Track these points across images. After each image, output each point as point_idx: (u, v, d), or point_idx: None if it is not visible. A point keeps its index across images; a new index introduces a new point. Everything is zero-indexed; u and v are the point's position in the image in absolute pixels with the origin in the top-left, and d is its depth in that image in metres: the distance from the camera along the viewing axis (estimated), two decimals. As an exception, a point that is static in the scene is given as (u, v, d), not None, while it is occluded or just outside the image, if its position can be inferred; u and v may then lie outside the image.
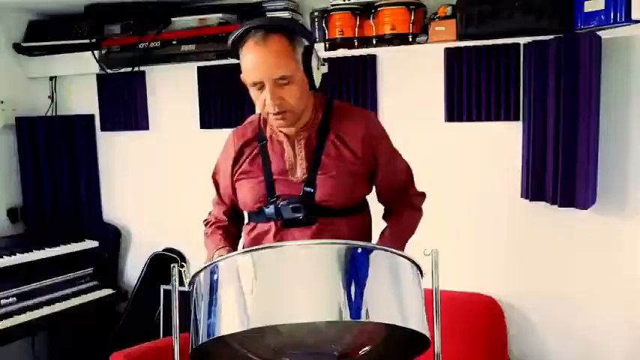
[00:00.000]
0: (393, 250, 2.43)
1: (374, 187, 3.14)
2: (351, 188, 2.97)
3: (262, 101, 2.80)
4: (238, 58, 2.89)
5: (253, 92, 2.83)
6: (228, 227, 3.26)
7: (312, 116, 2.99)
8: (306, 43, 2.85)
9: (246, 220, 3.18)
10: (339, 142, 2.96)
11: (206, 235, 3.25)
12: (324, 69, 2.96)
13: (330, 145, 2.95)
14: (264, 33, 2.74)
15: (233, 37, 2.84)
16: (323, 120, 3.00)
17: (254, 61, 2.75)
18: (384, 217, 3.22)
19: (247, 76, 2.80)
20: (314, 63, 2.88)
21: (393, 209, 3.21)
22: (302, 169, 2.94)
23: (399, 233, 3.04)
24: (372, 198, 3.15)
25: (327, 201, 2.91)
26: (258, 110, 2.95)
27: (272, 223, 2.95)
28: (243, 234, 3.19)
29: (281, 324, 2.37)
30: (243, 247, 3.10)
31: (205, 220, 3.34)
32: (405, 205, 3.18)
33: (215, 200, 3.33)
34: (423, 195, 3.25)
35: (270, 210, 2.93)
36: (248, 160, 3.04)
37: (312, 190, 2.90)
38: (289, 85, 2.76)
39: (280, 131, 2.98)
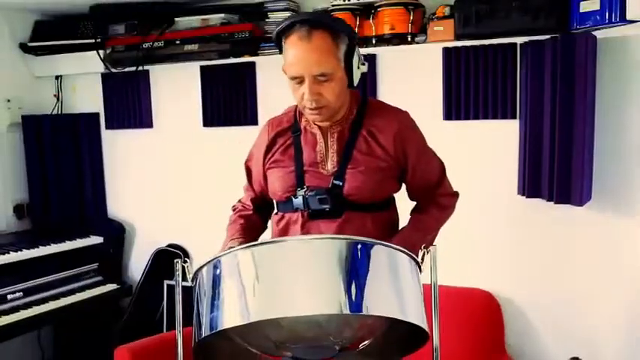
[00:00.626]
0: (393, 245, 2.42)
1: (404, 185, 3.14)
2: (379, 184, 2.97)
3: (300, 95, 2.80)
4: (281, 51, 2.89)
5: (292, 85, 2.83)
6: (251, 216, 3.26)
7: (347, 112, 2.99)
8: (349, 42, 2.85)
9: (275, 210, 3.17)
10: (370, 139, 2.97)
11: (230, 221, 3.25)
12: (364, 68, 2.95)
13: (362, 140, 2.96)
14: (308, 28, 2.74)
15: (278, 30, 2.84)
16: (357, 116, 3.00)
17: (296, 56, 2.75)
18: (411, 213, 3.22)
19: (288, 69, 2.80)
20: (355, 61, 2.88)
21: (420, 206, 3.21)
22: (333, 162, 2.96)
23: (417, 230, 3.03)
24: (402, 197, 3.17)
25: (354, 195, 2.91)
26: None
27: (299, 214, 2.96)
28: (271, 223, 3.20)
29: (282, 317, 2.37)
30: (272, 237, 3.12)
31: (233, 205, 3.35)
32: (432, 203, 3.17)
33: (245, 187, 3.32)
34: (453, 195, 3.25)
35: (298, 200, 2.94)
36: (281, 149, 3.05)
37: (340, 184, 2.91)
38: (328, 82, 2.77)
39: (314, 124, 2.99)
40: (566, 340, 4.35)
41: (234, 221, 3.22)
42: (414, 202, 3.24)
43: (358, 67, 2.93)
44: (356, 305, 2.22)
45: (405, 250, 2.45)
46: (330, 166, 2.96)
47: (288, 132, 3.06)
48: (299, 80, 2.77)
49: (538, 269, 4.44)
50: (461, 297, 4.50)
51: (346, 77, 2.86)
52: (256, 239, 3.14)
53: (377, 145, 2.96)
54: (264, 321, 2.35)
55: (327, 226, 2.91)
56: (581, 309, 4.28)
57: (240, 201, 3.35)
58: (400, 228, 3.11)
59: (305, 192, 2.92)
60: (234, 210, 3.32)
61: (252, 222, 3.25)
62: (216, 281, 2.36)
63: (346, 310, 2.21)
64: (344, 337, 2.51)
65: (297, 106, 3.05)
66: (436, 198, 3.18)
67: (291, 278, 2.25)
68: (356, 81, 2.92)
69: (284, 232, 3.04)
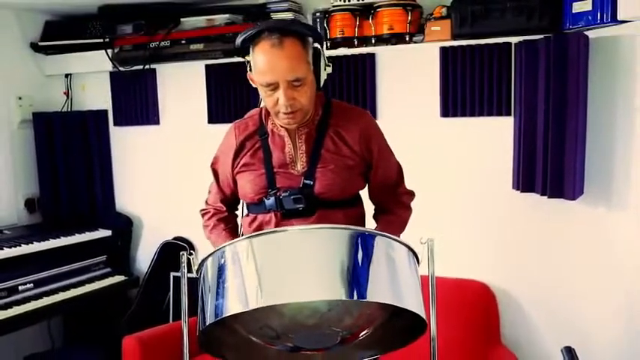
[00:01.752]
0: (394, 237, 2.45)
1: (366, 185, 3.17)
2: (348, 181, 3.00)
3: (274, 100, 2.80)
4: (244, 56, 2.89)
5: (265, 91, 2.82)
6: (229, 218, 3.27)
7: (313, 113, 2.99)
8: (316, 45, 2.87)
9: (244, 212, 3.17)
10: (337, 138, 2.98)
11: (207, 228, 3.25)
12: (329, 70, 2.96)
13: (329, 140, 2.98)
14: (279, 36, 2.74)
15: (245, 36, 2.83)
16: (323, 116, 3.01)
17: (270, 63, 2.75)
18: (375, 217, 3.23)
19: (261, 76, 2.79)
20: (322, 64, 2.90)
21: (384, 207, 3.22)
22: (302, 162, 2.96)
23: (389, 230, 3.03)
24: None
25: (325, 193, 2.92)
26: (262, 105, 2.97)
27: (272, 215, 2.96)
28: (243, 225, 3.19)
29: (285, 303, 2.38)
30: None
31: (203, 210, 3.33)
32: (396, 203, 3.20)
33: (213, 189, 3.30)
34: (412, 194, 3.26)
35: (270, 201, 2.93)
36: (250, 153, 3.04)
37: (311, 183, 2.92)
38: (302, 86, 2.77)
39: (281, 126, 2.98)
40: (560, 330, 4.36)
41: (214, 227, 3.22)
42: (375, 205, 3.27)
43: (324, 69, 2.95)
44: (358, 292, 2.23)
45: (405, 242, 2.47)
46: (300, 166, 2.97)
47: (255, 135, 3.06)
48: (273, 87, 2.77)
49: (532, 261, 4.45)
50: (457, 288, 4.51)
51: (315, 80, 2.88)
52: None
53: (344, 144, 2.98)
54: (267, 309, 2.37)
55: (301, 224, 2.88)
56: (574, 300, 4.29)
57: (208, 203, 3.33)
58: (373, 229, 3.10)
59: (278, 193, 2.93)
60: (206, 214, 3.30)
61: (233, 223, 3.28)
62: (220, 271, 2.38)
63: (348, 297, 2.23)
64: (344, 326, 2.53)
65: (261, 109, 3.09)
66: (399, 197, 3.21)
67: (294, 266, 2.27)
68: (322, 82, 2.95)
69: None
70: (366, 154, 3.02)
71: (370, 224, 3.15)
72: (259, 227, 3.01)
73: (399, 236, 2.91)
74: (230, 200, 3.26)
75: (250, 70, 2.90)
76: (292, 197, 2.90)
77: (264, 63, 2.76)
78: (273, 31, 2.76)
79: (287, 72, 2.72)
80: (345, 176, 2.97)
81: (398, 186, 3.21)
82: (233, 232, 3.21)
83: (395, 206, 3.19)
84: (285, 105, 2.77)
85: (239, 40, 2.88)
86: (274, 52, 2.73)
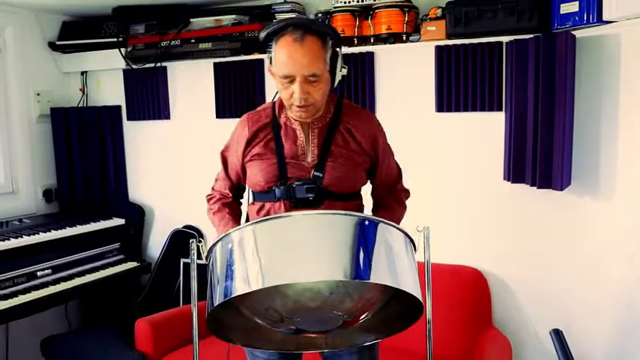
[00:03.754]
0: (393, 224, 2.47)
1: (368, 181, 3.18)
2: (354, 176, 3.01)
3: (290, 93, 2.81)
4: (264, 50, 2.90)
5: (282, 84, 2.83)
6: (233, 204, 3.25)
7: (325, 110, 3.00)
8: (334, 47, 2.88)
9: (251, 200, 3.16)
10: (347, 135, 2.99)
11: (211, 212, 3.22)
12: (344, 71, 2.97)
13: (340, 136, 2.98)
14: (302, 32, 2.75)
15: (270, 30, 2.85)
16: (334, 114, 3.02)
17: (290, 57, 2.75)
18: (373, 211, 3.24)
19: (280, 68, 2.79)
20: (338, 65, 2.91)
21: (382, 202, 3.22)
22: (313, 155, 2.96)
23: None
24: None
25: (333, 185, 2.92)
26: (269, 98, 2.96)
27: (282, 203, 2.95)
28: (249, 213, 3.18)
29: (290, 286, 2.40)
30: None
31: (209, 195, 3.31)
32: (393, 199, 3.21)
33: (220, 176, 3.28)
34: (408, 192, 3.28)
35: (280, 190, 2.92)
36: (262, 143, 3.02)
37: (321, 175, 2.92)
38: (317, 82, 2.78)
39: (294, 120, 2.99)
40: (548, 313, 4.37)
41: (218, 209, 3.19)
42: (374, 200, 3.28)
43: (340, 70, 2.95)
44: (358, 273, 2.25)
45: (404, 230, 2.49)
46: (311, 158, 2.96)
47: (268, 127, 3.05)
48: (290, 79, 2.78)
49: (522, 248, 4.46)
50: (452, 274, 4.52)
51: (330, 78, 2.89)
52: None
53: (353, 140, 2.99)
54: (271, 292, 2.38)
55: None
56: (562, 285, 4.29)
57: (214, 189, 3.32)
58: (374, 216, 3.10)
59: (290, 182, 2.92)
60: (212, 198, 3.29)
61: (236, 209, 3.25)
62: (228, 255, 2.39)
63: (351, 277, 2.25)
64: (345, 310, 2.54)
65: (274, 103, 3.09)
66: (397, 193, 3.22)
67: (298, 248, 2.29)
68: (337, 82, 2.96)
69: None
70: (372, 152, 3.03)
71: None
72: (267, 214, 2.99)
73: None
74: (236, 188, 3.25)
75: (271, 63, 2.90)
76: (305, 186, 2.89)
77: (285, 56, 2.76)
78: (297, 27, 2.77)
79: (305, 67, 2.73)
80: (351, 171, 2.98)
81: (397, 183, 3.24)
82: (236, 217, 3.18)
83: (392, 202, 3.20)
84: (300, 98, 2.77)
85: (263, 33, 2.89)
86: (295, 46, 2.74)
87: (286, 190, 2.92)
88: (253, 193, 3.12)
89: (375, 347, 3.13)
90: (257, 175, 3.02)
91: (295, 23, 2.81)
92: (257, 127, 3.06)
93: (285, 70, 2.77)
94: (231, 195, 3.25)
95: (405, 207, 3.24)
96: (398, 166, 3.25)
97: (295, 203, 2.92)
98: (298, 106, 2.82)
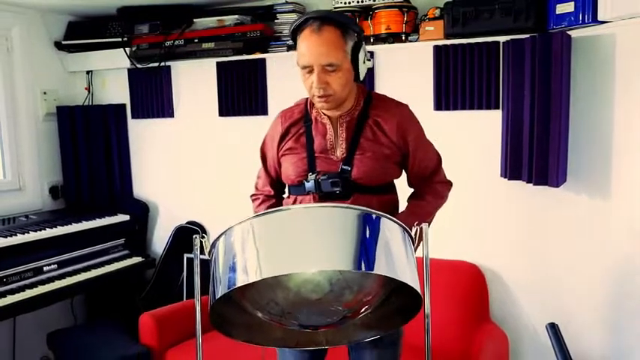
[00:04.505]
0: (392, 218, 2.46)
1: (403, 172, 3.15)
2: (384, 169, 2.99)
3: (310, 84, 2.83)
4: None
5: (303, 75, 2.85)
6: (276, 204, 3.23)
7: (354, 103, 3.00)
8: (356, 38, 2.88)
9: (287, 194, 3.17)
10: (376, 128, 2.98)
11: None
12: (370, 64, 2.97)
13: (368, 129, 2.97)
14: (319, 23, 2.77)
15: (294, 25, 2.87)
16: (363, 107, 3.01)
17: (307, 47, 2.78)
18: (408, 199, 3.21)
19: (300, 59, 2.83)
20: (361, 57, 2.91)
21: (418, 192, 3.20)
22: (342, 149, 2.96)
23: (414, 214, 2.97)
24: (401, 184, 3.18)
25: (362, 178, 2.92)
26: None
27: (311, 197, 2.96)
28: (284, 205, 3.16)
29: (290, 278, 2.40)
30: None
31: (253, 195, 3.33)
32: (429, 190, 3.16)
33: (261, 173, 3.29)
34: (448, 183, 3.25)
35: (310, 184, 2.92)
36: (294, 138, 3.04)
37: (349, 168, 2.92)
38: (336, 72, 2.79)
39: (324, 114, 3.00)
40: (544, 308, 4.38)
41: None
42: (412, 190, 3.23)
43: (364, 62, 2.95)
44: (359, 264, 2.25)
45: (403, 225, 2.49)
46: (340, 152, 2.96)
47: (300, 122, 3.06)
48: (309, 70, 2.80)
49: (519, 244, 4.47)
50: (450, 269, 4.52)
51: (352, 70, 2.88)
52: None
53: (382, 133, 2.97)
54: (273, 284, 2.38)
55: None
56: (558, 280, 4.30)
57: (257, 189, 3.32)
58: (399, 212, 3.09)
59: (317, 176, 2.92)
60: (256, 199, 3.29)
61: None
62: (229, 249, 2.39)
63: (351, 268, 2.27)
64: (345, 302, 2.53)
65: (307, 99, 3.07)
66: (433, 185, 3.17)
67: (297, 240, 2.30)
68: (362, 75, 2.95)
69: None
70: (402, 144, 3.01)
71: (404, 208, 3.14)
72: None
73: (426, 221, 2.90)
74: (277, 183, 3.25)
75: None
76: (330, 180, 2.89)
77: (304, 47, 2.80)
78: (315, 20, 2.79)
79: (321, 56, 2.75)
80: (381, 164, 2.96)
81: (434, 175, 3.18)
82: None
83: (428, 193, 3.15)
84: (318, 87, 2.79)
85: (291, 30, 2.92)
86: (313, 37, 2.77)
87: (315, 184, 2.92)
88: (288, 186, 3.13)
89: (397, 344, 3.12)
90: (288, 168, 3.04)
91: (314, 16, 2.83)
92: (290, 122, 3.08)
93: (304, 61, 2.80)
94: (273, 192, 3.26)
95: (444, 199, 3.20)
96: (437, 157, 3.21)
97: (322, 197, 2.92)
98: (318, 97, 2.83)
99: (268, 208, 3.18)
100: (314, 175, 2.93)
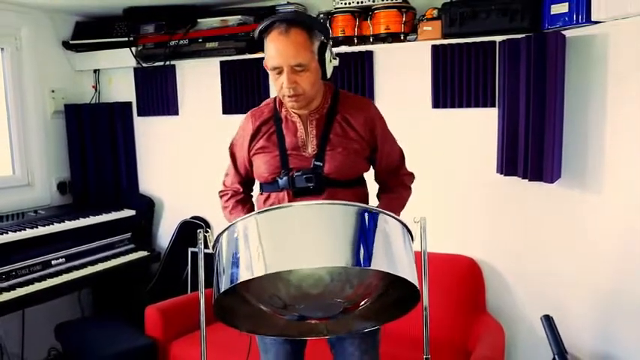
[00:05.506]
0: (391, 214, 2.47)
1: (371, 168, 3.17)
2: (354, 163, 3.01)
3: (280, 84, 2.84)
4: (262, 47, 2.92)
5: (273, 76, 2.87)
6: (246, 198, 3.27)
7: (323, 101, 3.02)
8: (322, 39, 2.89)
9: (258, 191, 3.17)
10: (345, 124, 2.99)
11: (227, 209, 3.23)
12: (336, 62, 2.98)
13: (338, 125, 2.99)
14: (286, 25, 2.79)
15: (260, 28, 2.90)
16: (331, 104, 3.02)
17: (276, 49, 2.80)
18: (378, 195, 3.24)
19: (269, 61, 2.85)
20: (327, 56, 2.91)
21: (386, 186, 3.23)
22: (313, 145, 2.98)
23: (390, 208, 3.02)
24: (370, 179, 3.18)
25: (333, 173, 2.94)
26: (273, 95, 2.96)
27: (285, 193, 2.97)
28: (257, 203, 3.20)
29: (292, 273, 2.41)
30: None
31: (221, 191, 3.32)
32: (398, 183, 3.20)
33: (230, 171, 3.30)
34: (412, 175, 3.28)
35: (283, 181, 2.95)
36: (265, 136, 3.05)
37: (321, 164, 2.93)
38: (304, 72, 2.81)
39: (294, 113, 3.01)
40: (539, 301, 4.37)
41: (233, 207, 3.20)
42: (379, 185, 3.28)
43: (330, 61, 2.96)
44: (360, 260, 2.26)
45: (402, 220, 2.49)
46: (311, 149, 2.98)
47: (270, 121, 3.08)
48: (278, 71, 2.82)
49: (515, 239, 4.48)
50: (447, 263, 4.53)
51: (320, 69, 2.90)
52: None
53: (351, 129, 3.00)
54: (275, 279, 2.39)
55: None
56: (553, 274, 4.30)
57: (225, 185, 3.32)
58: (376, 206, 3.10)
59: (291, 173, 2.95)
60: (225, 195, 3.29)
61: (250, 203, 3.28)
62: (233, 244, 2.39)
63: (351, 264, 2.27)
64: (345, 297, 2.53)
65: (275, 98, 3.11)
66: (401, 177, 3.22)
67: (299, 236, 2.30)
68: (329, 73, 2.97)
69: None
70: (371, 138, 3.04)
71: (373, 202, 3.16)
72: (273, 204, 3.01)
73: (399, 213, 2.99)
74: (245, 181, 3.26)
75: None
76: (304, 176, 2.91)
77: (272, 49, 2.81)
78: (282, 22, 2.81)
79: (290, 57, 2.77)
80: (351, 158, 2.98)
81: (400, 168, 3.23)
82: (251, 211, 3.18)
83: (397, 186, 3.19)
84: (288, 87, 2.81)
85: (256, 32, 2.94)
86: (281, 39, 2.79)
87: (288, 181, 2.94)
88: (260, 184, 3.13)
89: (376, 333, 3.14)
90: (261, 167, 3.04)
91: (281, 18, 2.85)
92: (260, 121, 3.09)
93: (273, 62, 2.82)
94: (242, 189, 3.27)
95: (410, 190, 3.24)
96: (400, 151, 3.24)
97: (297, 192, 2.94)
98: (289, 96, 2.85)
99: (238, 203, 3.22)
100: (287, 172, 2.96)
